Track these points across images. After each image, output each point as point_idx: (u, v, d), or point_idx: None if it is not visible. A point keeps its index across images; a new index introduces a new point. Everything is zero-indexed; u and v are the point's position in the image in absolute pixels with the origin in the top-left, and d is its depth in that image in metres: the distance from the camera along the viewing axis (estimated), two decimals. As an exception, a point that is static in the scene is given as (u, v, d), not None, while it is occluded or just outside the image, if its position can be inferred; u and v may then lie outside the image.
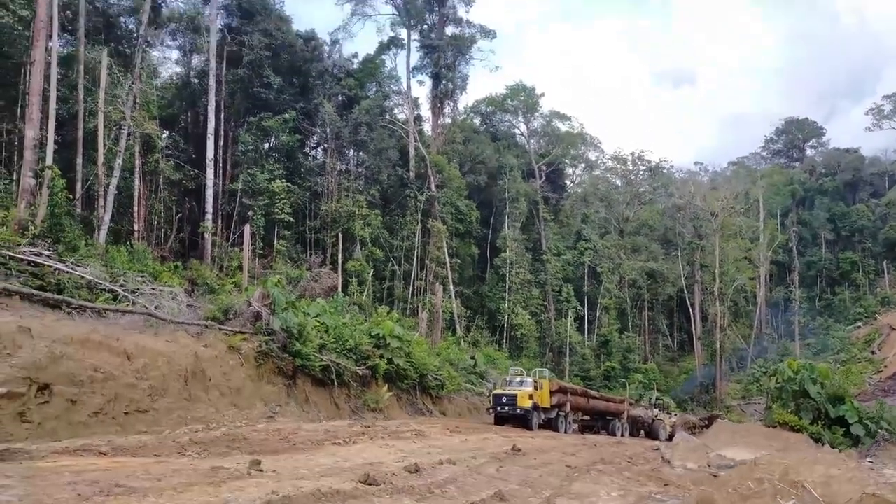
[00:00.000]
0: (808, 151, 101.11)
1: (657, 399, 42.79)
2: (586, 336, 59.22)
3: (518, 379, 29.24)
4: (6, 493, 6.67)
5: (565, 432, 28.34)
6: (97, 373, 14.38)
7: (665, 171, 75.49)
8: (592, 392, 34.08)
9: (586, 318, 60.10)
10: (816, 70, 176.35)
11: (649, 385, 51.71)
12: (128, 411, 14.91)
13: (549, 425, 28.26)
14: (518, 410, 26.79)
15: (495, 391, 29.02)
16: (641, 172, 75.30)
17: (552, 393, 28.61)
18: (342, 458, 12.57)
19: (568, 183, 75.98)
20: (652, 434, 34.11)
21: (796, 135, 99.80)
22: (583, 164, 78.34)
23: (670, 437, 33.19)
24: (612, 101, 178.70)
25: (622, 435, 32.23)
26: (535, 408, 27.31)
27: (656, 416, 35.52)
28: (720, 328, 58.55)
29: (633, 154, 74.18)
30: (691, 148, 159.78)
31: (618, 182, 76.80)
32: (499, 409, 27.45)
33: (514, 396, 27.00)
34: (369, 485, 9.79)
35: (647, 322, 67.23)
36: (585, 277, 61.12)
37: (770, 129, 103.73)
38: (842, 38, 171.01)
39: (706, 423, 42.51)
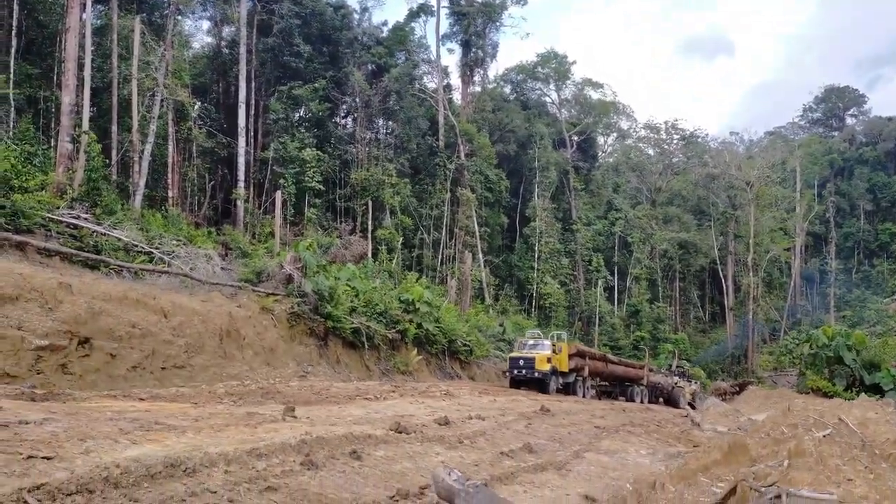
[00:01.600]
0: (848, 120, 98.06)
1: (678, 366, 42.09)
2: (616, 306, 58.87)
3: (535, 342, 28.41)
4: (53, 425, 6.94)
5: (583, 397, 27.54)
6: (135, 329, 14.77)
7: (699, 140, 73.88)
8: (611, 357, 32.98)
9: (616, 287, 59.67)
10: (858, 36, 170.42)
11: (679, 355, 51.37)
12: (165, 366, 15.32)
13: (567, 390, 27.47)
14: (535, 374, 26.04)
15: (512, 353, 28.17)
16: (675, 142, 73.80)
17: (570, 356, 27.73)
18: (373, 411, 12.78)
19: (599, 152, 74.95)
20: (671, 401, 33.36)
21: (836, 103, 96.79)
22: (615, 134, 77.11)
23: (691, 405, 32.76)
24: (645, 70, 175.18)
25: (641, 401, 31.40)
26: (554, 372, 26.52)
27: (676, 383, 34.63)
28: (753, 299, 57.68)
29: (666, 123, 72.82)
30: (726, 118, 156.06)
31: (650, 152, 75.47)
32: (515, 372, 26.69)
33: (532, 359, 26.24)
34: (400, 433, 9.96)
35: (678, 293, 66.49)
36: (616, 247, 60.58)
37: (809, 98, 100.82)
38: (885, 2, 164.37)
39: (737, 389, 42.19)
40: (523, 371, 26.31)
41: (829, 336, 32.01)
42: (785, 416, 8.30)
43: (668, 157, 73.00)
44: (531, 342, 28.32)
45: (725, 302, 62.43)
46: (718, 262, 63.99)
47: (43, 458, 5.73)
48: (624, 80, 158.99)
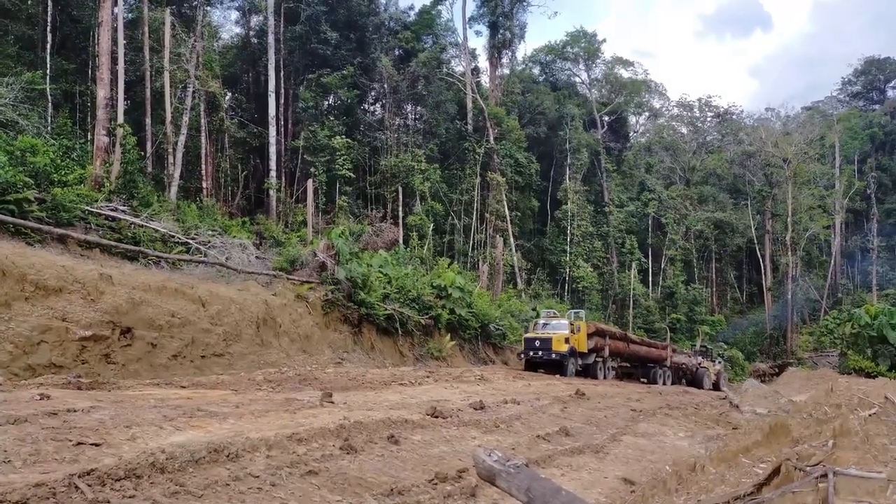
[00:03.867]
0: (890, 93, 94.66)
1: (702, 346, 41.07)
2: (650, 288, 58.20)
3: (552, 321, 26.93)
4: (99, 413, 7.12)
5: (604, 379, 26.20)
6: (174, 318, 15.07)
7: (734, 117, 72.29)
8: (633, 336, 31.48)
9: (650, 270, 58.95)
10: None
11: (703, 335, 50.62)
12: (204, 355, 15.62)
13: (586, 372, 25.95)
14: (553, 355, 24.55)
15: (527, 334, 26.68)
16: (709, 119, 72.35)
17: (590, 336, 26.13)
18: (409, 396, 12.87)
19: (631, 132, 73.84)
20: (695, 383, 31.91)
21: (876, 75, 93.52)
22: (647, 113, 75.84)
23: (715, 387, 31.62)
24: (677, 46, 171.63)
25: (664, 383, 29.83)
26: (572, 352, 25.07)
27: (700, 363, 33.26)
28: (792, 279, 56.54)
29: (699, 100, 71.36)
30: (763, 94, 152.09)
31: (684, 130, 74.06)
32: (531, 353, 25.18)
33: (549, 340, 24.79)
34: (436, 417, 10.01)
35: (714, 274, 65.46)
36: (650, 229, 59.79)
37: (848, 71, 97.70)
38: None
39: (777, 371, 41.31)
40: (539, 352, 24.93)
41: (871, 315, 31.23)
42: (828, 396, 8.13)
43: (702, 135, 71.62)
44: (547, 321, 26.94)
45: (763, 282, 61.28)
46: (756, 241, 62.77)
47: (91, 444, 5.89)
48: (655, 57, 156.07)
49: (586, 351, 25.85)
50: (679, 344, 43.42)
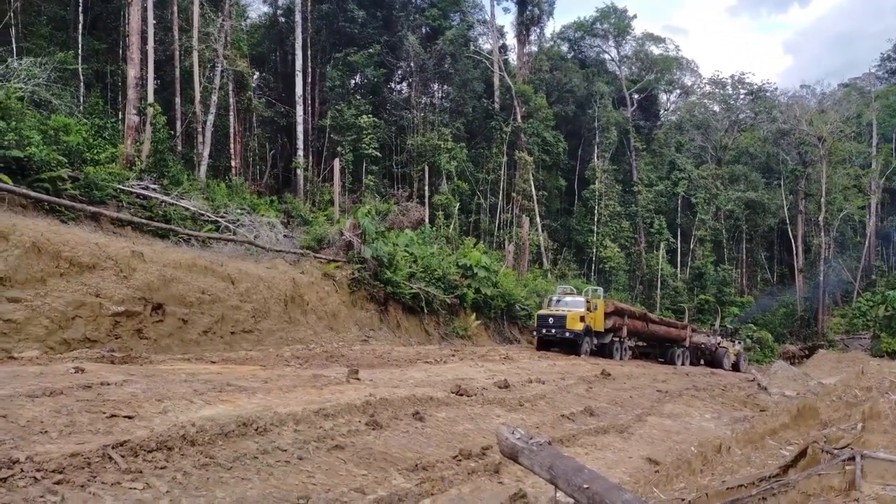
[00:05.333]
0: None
1: (721, 325, 40.43)
2: (679, 269, 57.57)
3: (567, 298, 25.80)
4: (132, 386, 7.30)
5: (620, 359, 25.27)
6: (205, 295, 15.32)
7: (768, 94, 70.57)
8: (652, 315, 30.41)
9: (679, 250, 58.26)
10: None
11: (745, 318, 50.03)
12: (234, 331, 15.89)
13: (602, 352, 25.00)
14: (567, 334, 23.56)
15: (540, 311, 25.53)
16: (742, 97, 70.72)
17: (607, 315, 25.20)
18: (434, 374, 12.97)
19: (661, 110, 72.62)
20: (714, 363, 31.18)
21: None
22: (678, 90, 74.36)
23: (735, 367, 31.19)
24: (710, 23, 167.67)
25: (682, 364, 29.20)
26: (587, 331, 24.06)
27: (719, 343, 32.46)
28: (824, 260, 55.43)
29: (732, 77, 69.78)
30: (798, 71, 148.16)
31: (716, 108, 72.50)
32: (543, 331, 24.13)
33: (563, 318, 23.75)
34: (461, 395, 10.08)
35: (744, 254, 64.43)
36: (679, 209, 58.96)
37: (887, 46, 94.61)
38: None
39: (807, 353, 40.65)
40: (553, 330, 23.89)
41: (905, 297, 30.59)
42: (858, 378, 8.01)
43: (734, 113, 70.07)
44: (563, 298, 25.88)
45: (795, 263, 60.16)
46: (788, 221, 61.57)
47: (124, 417, 6.05)
48: (687, 33, 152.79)
49: (603, 330, 25.06)
50: (705, 325, 42.99)
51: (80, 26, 27.99)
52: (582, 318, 23.94)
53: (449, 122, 44.12)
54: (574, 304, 24.85)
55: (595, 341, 24.82)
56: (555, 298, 26.24)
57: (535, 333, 25.40)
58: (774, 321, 54.56)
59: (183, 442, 5.57)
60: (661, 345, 29.97)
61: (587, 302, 24.84)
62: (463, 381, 11.83)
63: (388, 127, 41.02)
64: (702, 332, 34.69)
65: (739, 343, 34.93)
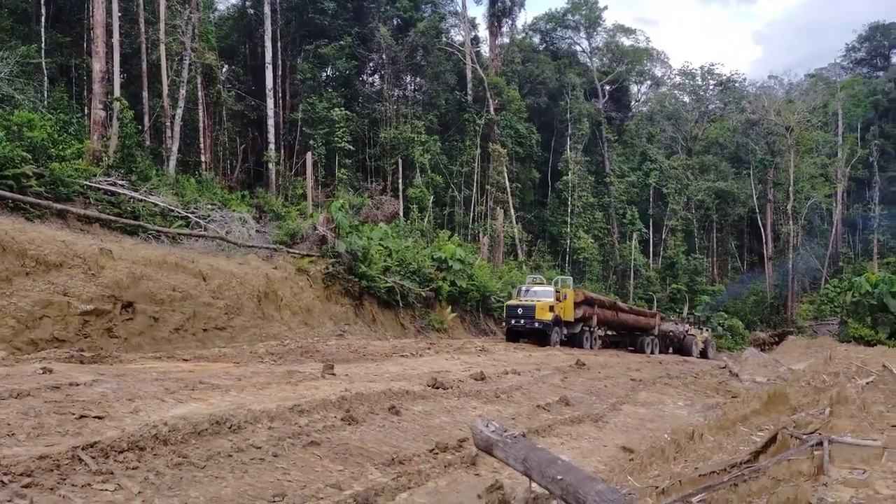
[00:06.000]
0: (894, 59, 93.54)
1: (689, 313, 40.90)
2: (651, 259, 58.25)
3: (536, 288, 25.47)
4: (102, 386, 7.18)
5: (591, 349, 25.07)
6: (176, 292, 15.12)
7: (737, 85, 71.54)
8: (622, 304, 30.46)
9: (651, 240, 58.92)
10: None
11: (716, 306, 50.81)
12: (206, 328, 15.71)
13: (571, 342, 24.70)
14: (536, 324, 23.21)
15: (509, 301, 25.14)
16: (711, 88, 71.59)
17: (577, 305, 24.91)
18: (410, 367, 12.96)
19: (632, 101, 73.20)
20: (683, 351, 31.23)
21: (881, 41, 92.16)
22: (648, 82, 75.00)
23: (703, 354, 31.46)
24: (681, 14, 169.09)
25: (651, 352, 29.03)
26: (557, 321, 23.67)
27: (687, 331, 32.62)
28: (793, 248, 56.48)
29: (702, 68, 70.54)
30: (767, 61, 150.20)
31: (686, 99, 73.28)
32: (513, 321, 23.80)
33: (532, 308, 23.36)
34: (437, 388, 10.10)
35: (715, 244, 65.40)
36: (651, 199, 59.59)
37: (852, 37, 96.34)
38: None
39: (776, 339, 41.42)
40: (521, 321, 23.56)
41: (872, 283, 31.27)
42: (826, 364, 8.18)
43: (704, 103, 70.96)
44: (532, 288, 25.54)
45: (764, 251, 61.19)
46: (757, 210, 62.58)
47: (94, 417, 5.94)
48: (658, 24, 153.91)
49: (573, 320, 24.83)
50: (678, 314, 43.57)
51: (43, 19, 27.30)
52: (551, 308, 23.58)
53: (422, 115, 43.93)
54: (543, 294, 24.48)
55: (565, 331, 24.54)
56: (524, 288, 25.86)
57: (503, 325, 25.14)
58: (745, 309, 55.50)
59: (155, 441, 5.49)
60: (630, 333, 29.97)
61: (556, 292, 24.57)
62: (439, 374, 11.84)
63: (360, 120, 40.74)
64: (670, 320, 34.94)
65: (707, 330, 35.26)
